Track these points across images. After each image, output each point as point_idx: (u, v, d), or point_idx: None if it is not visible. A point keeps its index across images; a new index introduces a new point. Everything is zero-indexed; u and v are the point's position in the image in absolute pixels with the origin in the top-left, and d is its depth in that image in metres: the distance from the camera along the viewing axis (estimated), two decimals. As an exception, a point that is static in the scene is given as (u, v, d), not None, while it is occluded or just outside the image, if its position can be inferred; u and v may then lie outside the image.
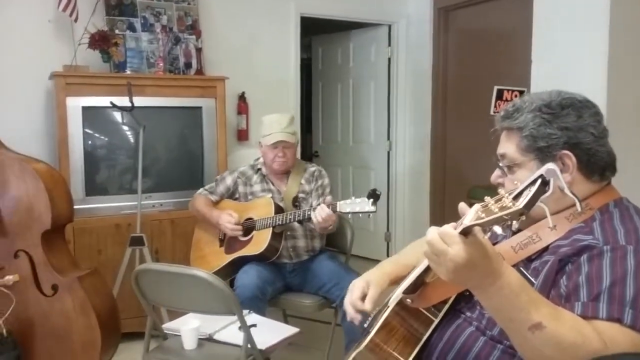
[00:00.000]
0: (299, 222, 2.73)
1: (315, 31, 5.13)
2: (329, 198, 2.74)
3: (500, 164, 1.29)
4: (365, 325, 1.40)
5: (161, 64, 3.52)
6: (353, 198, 2.49)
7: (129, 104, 3.00)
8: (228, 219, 2.77)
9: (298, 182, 2.88)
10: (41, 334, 2.35)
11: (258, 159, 2.97)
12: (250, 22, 4.19)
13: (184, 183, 3.50)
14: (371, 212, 2.44)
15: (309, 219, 2.60)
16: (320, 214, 2.52)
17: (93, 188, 3.29)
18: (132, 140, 3.40)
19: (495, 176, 1.32)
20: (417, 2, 4.71)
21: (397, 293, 1.22)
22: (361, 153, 5.18)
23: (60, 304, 2.35)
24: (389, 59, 4.85)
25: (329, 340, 2.90)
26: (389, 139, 4.94)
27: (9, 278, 2.28)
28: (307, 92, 5.16)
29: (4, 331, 2.25)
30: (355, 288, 1.45)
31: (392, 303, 1.24)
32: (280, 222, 2.68)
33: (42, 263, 2.35)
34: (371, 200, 2.43)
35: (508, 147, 1.27)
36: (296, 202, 2.83)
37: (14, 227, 2.35)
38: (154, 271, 2.10)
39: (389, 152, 4.96)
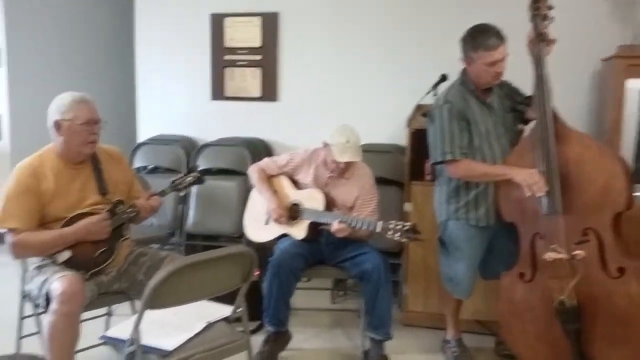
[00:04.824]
0: None
1: None
2: None
3: None
4: None
5: None
6: None
7: None
8: None
9: None
10: (601, 314, 2.30)
11: None
12: None
13: None
14: None
15: None
16: None
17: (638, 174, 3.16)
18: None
19: None
20: None
21: None
22: None
23: (626, 287, 2.26)
24: None
25: None
26: None
27: (578, 253, 2.32)
28: None
29: (574, 301, 2.32)
30: None
31: None
32: None
33: (610, 244, 2.30)
34: None
35: None
36: None
37: (586, 205, 2.34)
38: None
39: None
